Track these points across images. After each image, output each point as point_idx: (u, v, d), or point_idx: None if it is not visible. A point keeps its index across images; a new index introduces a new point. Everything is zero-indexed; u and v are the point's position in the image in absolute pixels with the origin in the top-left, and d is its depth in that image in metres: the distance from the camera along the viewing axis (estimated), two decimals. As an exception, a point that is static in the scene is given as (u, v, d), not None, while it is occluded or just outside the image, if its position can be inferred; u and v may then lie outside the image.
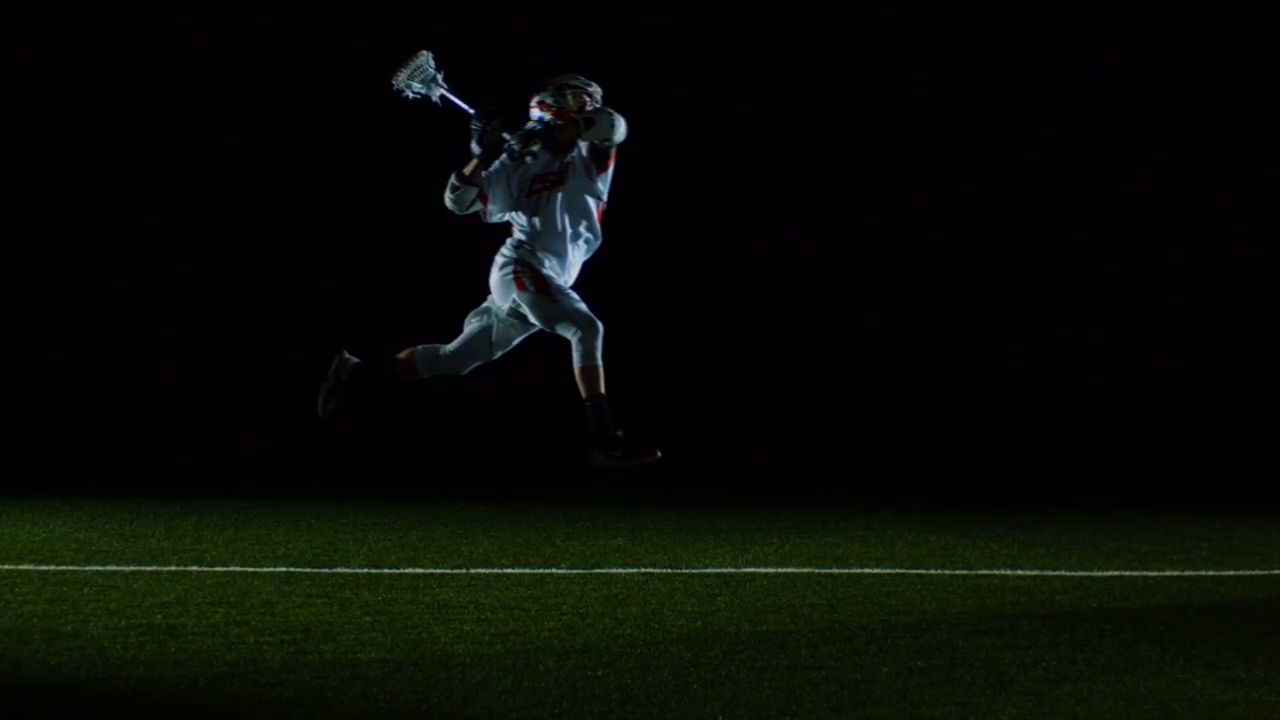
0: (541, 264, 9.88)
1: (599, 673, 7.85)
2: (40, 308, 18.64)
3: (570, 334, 9.83)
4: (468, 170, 9.85)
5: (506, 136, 9.84)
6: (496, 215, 10.00)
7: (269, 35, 18.60)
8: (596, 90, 10.00)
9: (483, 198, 9.89)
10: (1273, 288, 18.73)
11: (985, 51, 18.75)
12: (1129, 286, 18.79)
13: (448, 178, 9.87)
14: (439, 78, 10.10)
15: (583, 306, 9.84)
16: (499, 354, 10.15)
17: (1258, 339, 18.71)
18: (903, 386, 18.76)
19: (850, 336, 18.78)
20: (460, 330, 10.15)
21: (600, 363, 9.84)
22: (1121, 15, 18.72)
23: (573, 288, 9.97)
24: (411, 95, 10.17)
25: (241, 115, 18.56)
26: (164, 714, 7.12)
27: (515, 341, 10.12)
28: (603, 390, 9.85)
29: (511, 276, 9.88)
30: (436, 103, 10.17)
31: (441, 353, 10.18)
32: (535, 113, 9.97)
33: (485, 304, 10.11)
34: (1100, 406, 18.72)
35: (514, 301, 9.88)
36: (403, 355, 10.24)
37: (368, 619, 9.18)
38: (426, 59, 10.13)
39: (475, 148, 9.86)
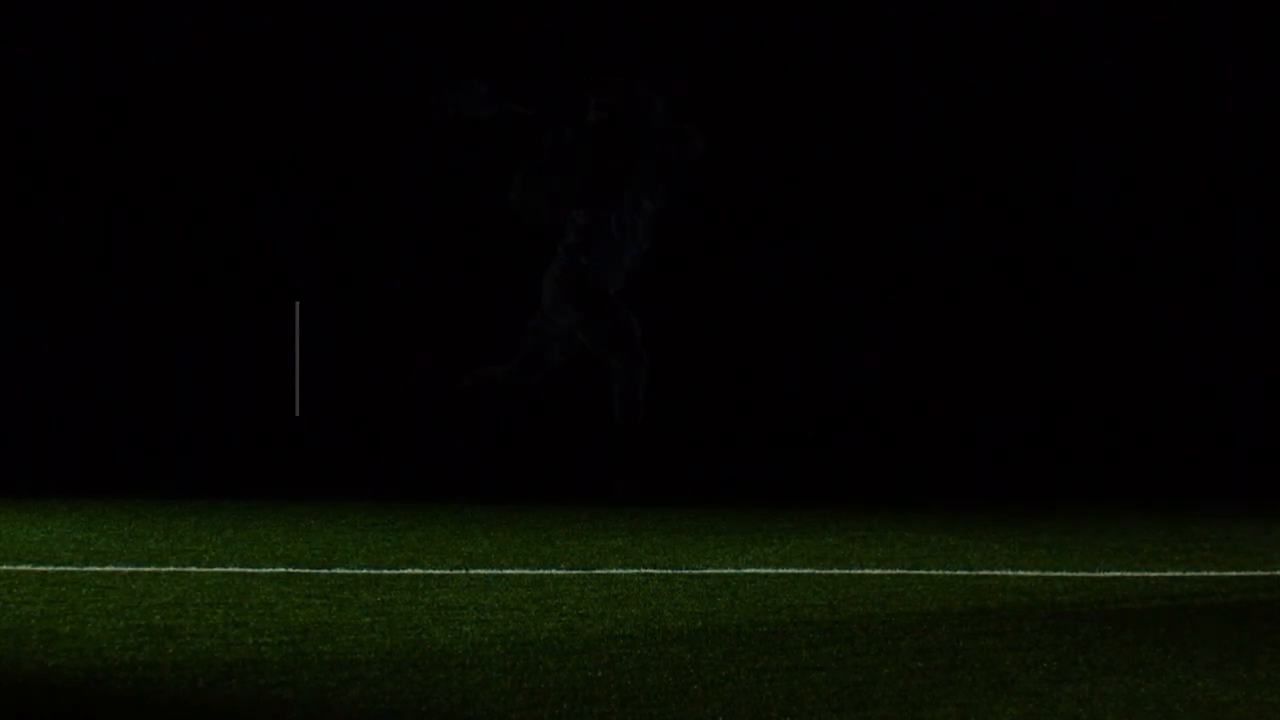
0: (591, 266, 9.90)
1: (599, 673, 7.84)
2: (39, 307, 18.62)
3: (614, 361, 9.86)
4: (540, 164, 9.89)
5: (590, 116, 9.89)
6: (547, 218, 10.04)
7: (269, 35, 18.58)
8: (658, 100, 10.09)
9: (547, 197, 9.93)
10: (1272, 287, 18.71)
11: (985, 51, 18.73)
12: (1129, 287, 18.77)
13: (517, 173, 9.91)
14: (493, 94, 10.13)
15: (635, 337, 9.87)
16: (559, 360, 10.20)
17: (1258, 338, 18.69)
18: (902, 386, 18.74)
19: (849, 336, 18.75)
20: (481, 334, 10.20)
21: (640, 395, 9.88)
22: (1121, 15, 18.71)
23: (620, 292, 10.00)
24: (454, 114, 10.18)
25: (241, 115, 18.53)
26: (163, 715, 7.11)
27: (572, 347, 10.15)
28: (639, 421, 9.89)
29: (566, 291, 9.91)
30: (482, 118, 10.17)
31: (502, 373, 10.20)
32: (594, 115, 10.02)
33: (535, 321, 10.13)
34: (1101, 406, 18.70)
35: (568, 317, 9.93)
36: (465, 383, 10.28)
37: (367, 619, 9.16)
38: (479, 84, 10.16)
39: (548, 139, 9.89)
